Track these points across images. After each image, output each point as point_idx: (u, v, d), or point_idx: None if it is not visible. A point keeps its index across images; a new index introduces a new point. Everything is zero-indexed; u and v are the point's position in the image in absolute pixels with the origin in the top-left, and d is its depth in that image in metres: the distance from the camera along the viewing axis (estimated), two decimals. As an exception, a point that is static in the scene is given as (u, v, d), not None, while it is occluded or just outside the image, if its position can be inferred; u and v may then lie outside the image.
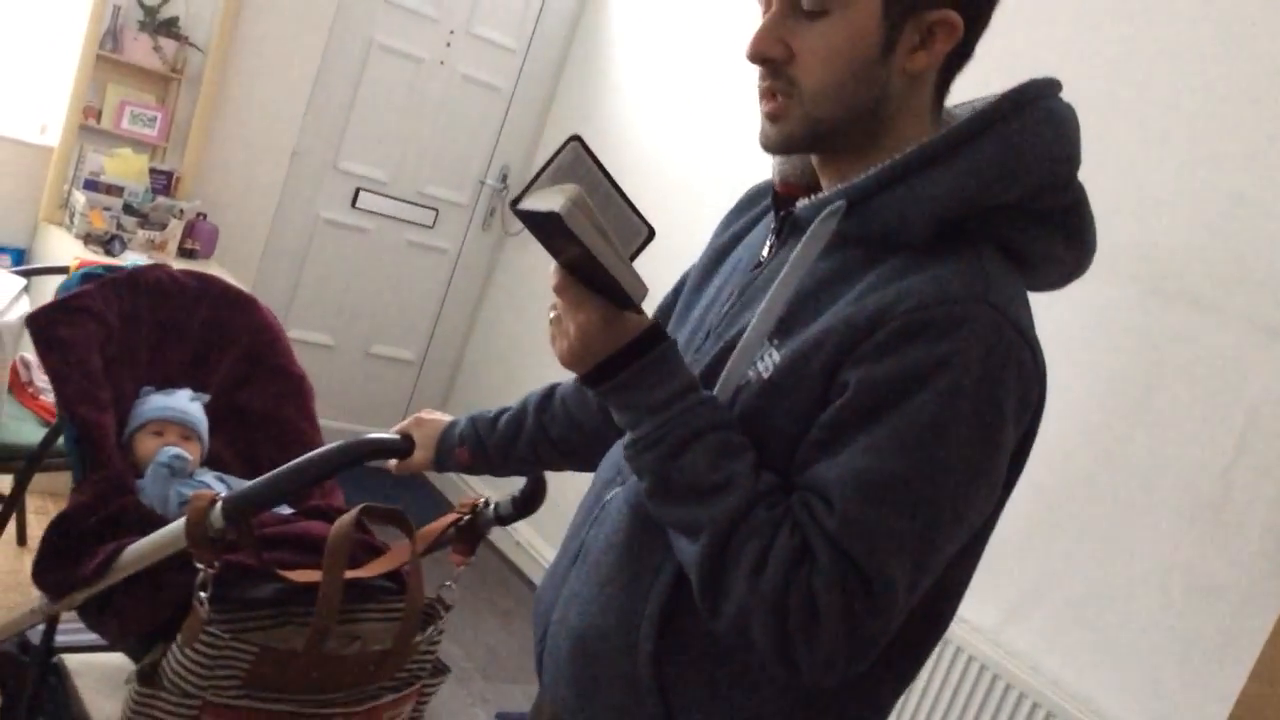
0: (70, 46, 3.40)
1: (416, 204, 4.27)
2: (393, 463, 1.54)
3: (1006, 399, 0.96)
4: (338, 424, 4.03)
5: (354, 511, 1.53)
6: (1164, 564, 2.19)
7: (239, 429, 2.14)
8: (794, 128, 1.04)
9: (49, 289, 3.06)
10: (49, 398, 2.72)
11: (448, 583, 1.69)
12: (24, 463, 2.44)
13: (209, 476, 1.95)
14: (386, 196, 4.20)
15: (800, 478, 0.98)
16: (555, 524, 2.69)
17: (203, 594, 1.44)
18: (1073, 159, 1.03)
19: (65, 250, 3.23)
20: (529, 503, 1.66)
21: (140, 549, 1.58)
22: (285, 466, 1.46)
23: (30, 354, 2.80)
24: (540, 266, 4.16)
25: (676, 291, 1.35)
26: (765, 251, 1.15)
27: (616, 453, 1.22)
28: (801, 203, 1.09)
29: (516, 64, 4.26)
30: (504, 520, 1.67)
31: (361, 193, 4.14)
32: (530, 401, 1.54)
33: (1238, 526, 2.10)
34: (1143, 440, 2.25)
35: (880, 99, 1.02)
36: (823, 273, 1.04)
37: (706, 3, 3.71)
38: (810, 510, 0.95)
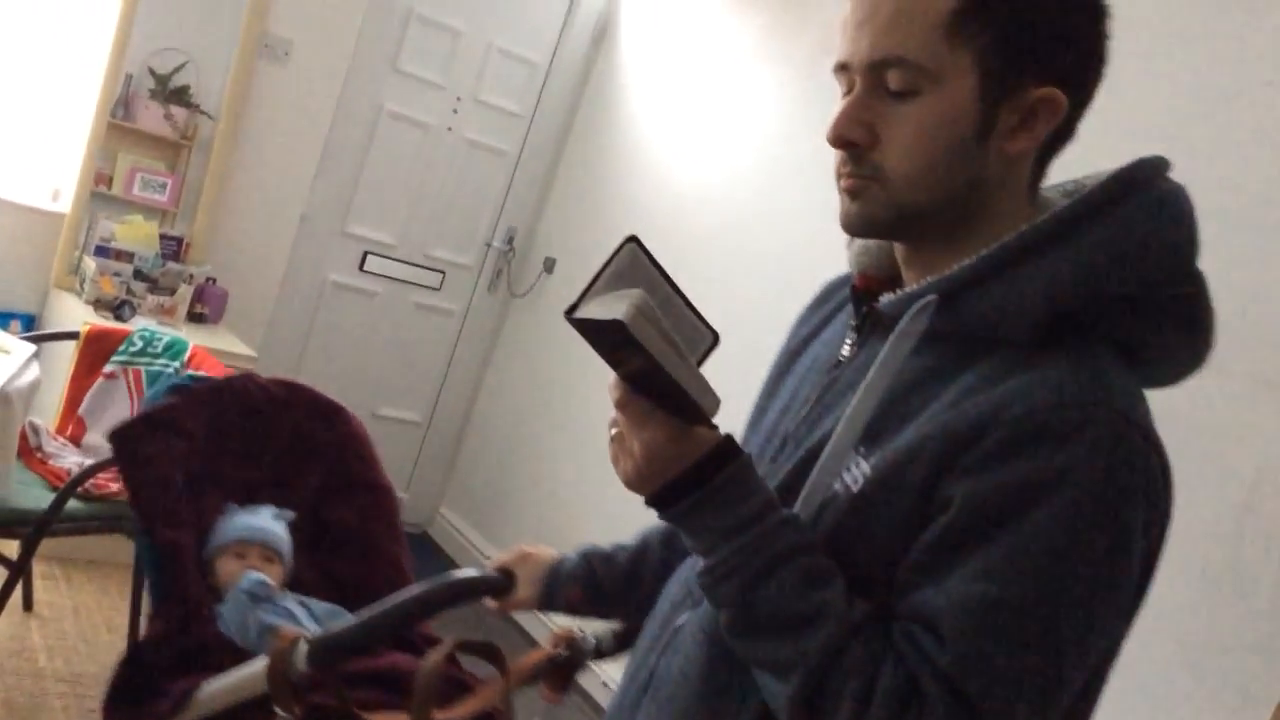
0: (82, 114, 3.45)
1: (423, 266, 4.30)
2: (491, 601, 1.40)
3: (1134, 513, 0.86)
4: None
5: (444, 648, 1.42)
6: (1175, 624, 2.17)
7: (324, 547, 2.06)
8: (875, 209, 0.95)
9: (60, 354, 3.09)
10: (57, 463, 2.73)
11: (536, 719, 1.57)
12: (32, 528, 2.44)
13: (291, 602, 1.87)
14: (394, 259, 4.23)
15: (901, 606, 0.88)
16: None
17: None
18: (1192, 243, 0.93)
19: (76, 316, 3.25)
20: (631, 637, 1.47)
21: (217, 690, 1.50)
22: (376, 609, 1.35)
23: (39, 419, 2.81)
24: (547, 328, 4.18)
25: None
26: (845, 350, 1.05)
27: (685, 570, 1.12)
28: (886, 297, 0.99)
29: (523, 129, 4.31)
30: (603, 655, 1.51)
31: (369, 256, 4.18)
32: (652, 537, 1.36)
33: (1250, 584, 2.08)
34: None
35: (974, 184, 0.93)
36: (912, 373, 0.94)
37: (712, 72, 3.76)
38: (916, 643, 0.85)
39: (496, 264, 4.41)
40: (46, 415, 2.97)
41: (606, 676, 3.66)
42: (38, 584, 3.02)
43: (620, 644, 1.48)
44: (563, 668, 1.49)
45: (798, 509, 0.94)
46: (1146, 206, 0.90)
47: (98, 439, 2.87)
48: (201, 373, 2.84)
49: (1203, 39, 2.35)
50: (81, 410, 2.91)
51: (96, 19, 3.44)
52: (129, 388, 2.86)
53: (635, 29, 4.17)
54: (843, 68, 0.95)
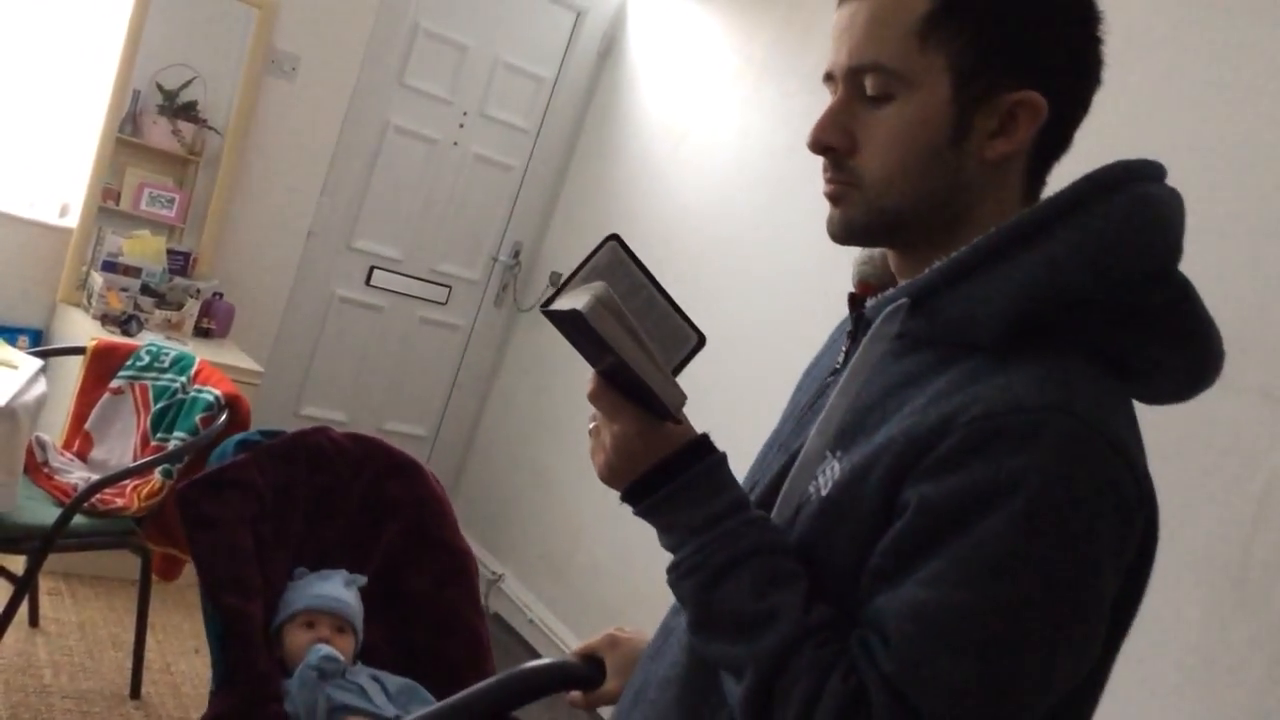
0: (91, 130, 3.47)
1: (430, 281, 4.30)
2: (576, 695, 1.28)
3: (1096, 523, 0.82)
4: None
5: None
6: (1185, 641, 2.15)
7: (397, 614, 1.99)
8: (856, 214, 0.95)
9: (67, 369, 3.09)
10: (63, 478, 2.73)
11: None
12: (38, 543, 2.44)
13: (363, 676, 1.82)
14: (400, 274, 4.23)
15: (862, 611, 0.87)
16: None
17: None
18: (1168, 249, 0.90)
19: (83, 331, 3.26)
20: None
21: None
22: (451, 703, 1.26)
23: (45, 435, 2.81)
24: (553, 343, 4.18)
25: None
26: (840, 357, 1.05)
27: None
28: (870, 302, 0.99)
29: (529, 144, 4.32)
30: None
31: (375, 270, 4.18)
32: None
33: (1260, 600, 2.07)
34: (1164, 511, 2.22)
35: (954, 189, 0.93)
36: (893, 377, 0.93)
37: (718, 87, 3.76)
38: (867, 649, 0.84)
39: (503, 278, 4.41)
40: (53, 430, 2.98)
41: None
42: (44, 600, 3.02)
43: None
44: None
45: (775, 512, 0.94)
46: (1119, 209, 0.88)
47: (104, 454, 2.87)
48: (163, 357, 2.79)
49: (1238, 45, 2.35)
50: (88, 425, 2.91)
51: (104, 35, 3.46)
52: (136, 403, 2.86)
53: (641, 44, 4.18)
54: (829, 77, 0.97)
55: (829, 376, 1.05)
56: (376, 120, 4.00)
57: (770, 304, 3.30)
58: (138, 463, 2.68)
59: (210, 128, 3.65)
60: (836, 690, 0.83)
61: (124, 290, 3.42)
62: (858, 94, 0.94)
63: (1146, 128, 2.36)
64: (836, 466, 0.91)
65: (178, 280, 3.55)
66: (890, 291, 0.96)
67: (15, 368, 2.51)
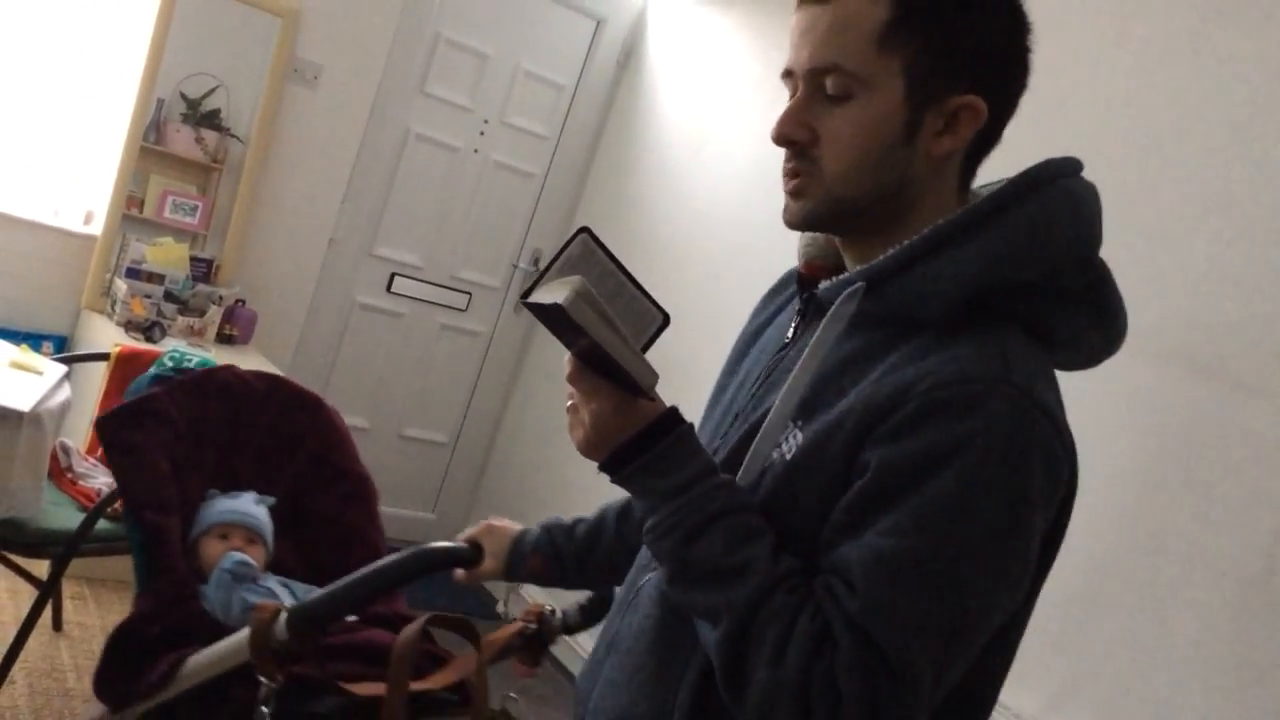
0: (115, 138, 3.50)
1: (450, 288, 4.32)
2: (460, 572, 1.49)
3: (1032, 480, 0.94)
4: (371, 507, 4.03)
5: (419, 622, 1.48)
6: (1209, 646, 2.14)
7: (304, 532, 2.13)
8: (815, 205, 1.04)
9: (91, 375, 3.11)
10: (88, 483, 2.75)
11: (512, 694, 1.63)
12: (62, 548, 2.45)
13: (273, 582, 1.94)
14: (421, 281, 4.25)
15: (824, 561, 0.97)
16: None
17: (265, 709, 1.42)
18: (1093, 237, 1.03)
19: (107, 337, 3.29)
20: (597, 611, 1.58)
21: (202, 660, 1.56)
22: (351, 578, 1.42)
23: (70, 440, 2.84)
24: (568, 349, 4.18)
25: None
26: (790, 333, 1.15)
27: None
28: (823, 284, 1.09)
29: (549, 151, 4.33)
30: (571, 629, 1.60)
31: (396, 277, 4.20)
32: (609, 511, 1.48)
33: (1285, 610, 2.05)
34: (1184, 520, 2.21)
35: (903, 182, 1.03)
36: (846, 353, 1.03)
37: (737, 93, 3.77)
38: (832, 593, 0.93)
39: (523, 285, 4.42)
40: (77, 436, 3.00)
41: (580, 650, 3.66)
42: (67, 604, 3.04)
43: (587, 618, 1.56)
44: (533, 641, 1.56)
45: (739, 476, 1.04)
46: (1050, 202, 1.00)
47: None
48: (185, 364, 2.85)
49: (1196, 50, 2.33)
50: (112, 431, 2.93)
51: (128, 44, 3.49)
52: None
53: (661, 51, 4.18)
54: (788, 74, 1.06)
55: (780, 351, 1.15)
56: (398, 128, 4.02)
57: (790, 311, 3.29)
58: (160, 468, 2.69)
59: (233, 136, 3.68)
60: (805, 629, 0.92)
61: (147, 297, 3.45)
62: (818, 92, 1.02)
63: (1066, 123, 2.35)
64: (799, 434, 1.02)
65: (201, 287, 3.57)
66: (846, 275, 1.06)
67: (40, 374, 2.54)
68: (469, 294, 4.36)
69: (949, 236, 1.00)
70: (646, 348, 1.03)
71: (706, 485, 0.99)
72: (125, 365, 2.97)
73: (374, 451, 4.30)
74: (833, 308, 1.03)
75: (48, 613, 2.86)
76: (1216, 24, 2.35)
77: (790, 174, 1.06)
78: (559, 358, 1.05)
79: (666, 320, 1.06)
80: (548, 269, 0.99)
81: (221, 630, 1.62)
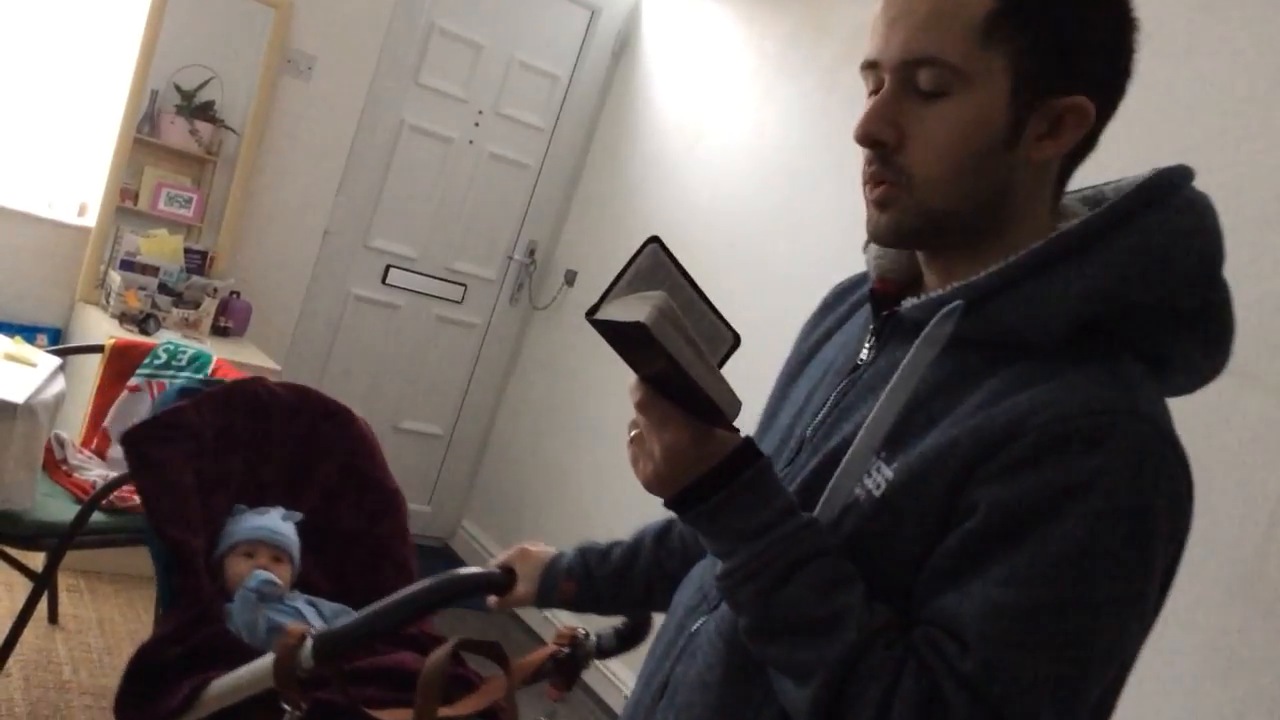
0: (109, 130, 3.49)
1: (445, 280, 4.31)
2: (492, 598, 1.42)
3: (1159, 521, 0.85)
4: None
5: (448, 646, 1.45)
6: (1203, 639, 2.14)
7: (331, 548, 2.10)
8: (905, 218, 0.94)
9: (85, 368, 3.11)
10: (82, 476, 2.74)
11: (543, 718, 1.60)
12: (57, 541, 2.45)
13: (299, 601, 1.91)
14: (416, 273, 4.24)
15: (923, 611, 0.88)
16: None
17: None
18: (1219, 251, 0.92)
19: (101, 329, 3.28)
20: (633, 636, 1.52)
21: (225, 686, 1.53)
22: (381, 604, 1.38)
23: (64, 432, 2.83)
24: (567, 342, 4.18)
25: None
26: (864, 354, 1.04)
27: (699, 575, 1.12)
28: (908, 302, 0.98)
29: (544, 142, 4.32)
30: (605, 653, 1.53)
31: (391, 269, 4.19)
32: (646, 535, 1.39)
33: (1277, 598, 2.06)
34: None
35: (1002, 190, 0.93)
36: (935, 378, 0.93)
37: (733, 83, 3.76)
38: (939, 649, 0.84)
39: (518, 277, 4.42)
40: (72, 428, 2.99)
41: (612, 674, 3.66)
42: (63, 597, 3.04)
43: (622, 642, 1.51)
44: (565, 665, 1.51)
45: (818, 513, 0.94)
46: (1173, 215, 0.90)
47: (122, 452, 2.89)
48: (213, 377, 2.87)
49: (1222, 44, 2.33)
50: (106, 423, 2.93)
51: (122, 36, 3.48)
52: (153, 400, 2.88)
53: (656, 41, 4.18)
54: (871, 66, 0.94)
55: (852, 374, 1.03)
56: (392, 119, 4.01)
57: (786, 301, 3.28)
58: (155, 460, 2.69)
59: (227, 127, 3.67)
60: (910, 690, 0.83)
61: (142, 289, 3.44)
62: (908, 88, 0.92)
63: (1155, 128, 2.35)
64: (885, 468, 0.92)
65: (195, 279, 3.56)
66: (938, 294, 0.95)
67: (34, 366, 2.53)
68: (464, 286, 4.35)
69: (1064, 252, 0.90)
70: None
71: (790, 526, 0.90)
72: (119, 357, 2.97)
73: (370, 443, 4.30)
74: (927, 329, 0.92)
75: (43, 605, 2.86)
76: (1214, 14, 2.35)
77: (873, 180, 0.95)
78: (555, 351, 1.01)
79: (737, 341, 0.96)
80: (616, 283, 0.90)
81: (246, 652, 1.60)
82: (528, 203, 4.36)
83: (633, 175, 4.11)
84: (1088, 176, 1.01)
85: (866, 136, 0.93)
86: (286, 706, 1.41)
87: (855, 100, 0.97)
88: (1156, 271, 0.88)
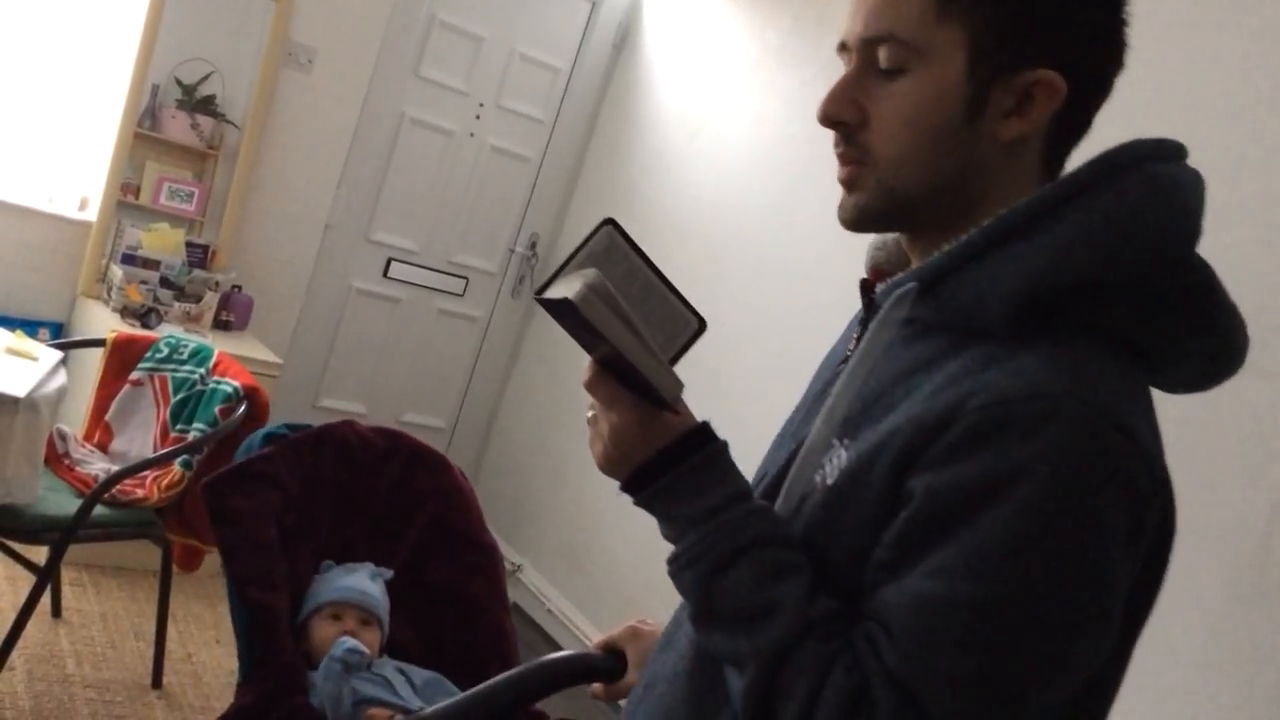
0: (109, 124, 3.48)
1: (447, 273, 4.31)
2: (597, 686, 1.28)
3: (1108, 514, 0.80)
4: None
5: None
6: (1206, 630, 2.14)
7: (423, 608, 1.99)
8: (869, 199, 0.92)
9: (87, 362, 3.11)
10: (84, 469, 2.75)
11: None
12: (59, 534, 2.45)
13: (389, 669, 1.81)
14: (417, 266, 4.24)
15: (866, 605, 0.85)
16: None
17: None
18: (1186, 232, 0.87)
19: (103, 323, 3.28)
20: None
21: None
22: (477, 691, 1.28)
23: (66, 426, 2.83)
24: (568, 336, 4.17)
25: None
26: (852, 344, 1.01)
27: None
28: (880, 288, 0.96)
29: (545, 135, 4.32)
30: None
31: (393, 263, 4.19)
32: None
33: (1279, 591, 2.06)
34: (1182, 498, 2.20)
35: (967, 171, 0.90)
36: (904, 363, 0.90)
37: (734, 75, 3.75)
38: (872, 643, 0.82)
39: (519, 270, 4.42)
40: (74, 422, 3.00)
41: None
42: (66, 590, 3.05)
43: None
44: None
45: (779, 503, 0.92)
46: (1133, 189, 0.85)
47: (124, 445, 2.89)
48: (181, 349, 2.83)
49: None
50: (108, 417, 2.93)
51: (123, 30, 3.47)
52: (155, 394, 2.88)
53: (657, 33, 4.17)
54: (843, 47, 0.94)
55: (840, 364, 1.02)
56: (393, 112, 4.01)
57: (787, 292, 3.29)
58: (158, 454, 2.70)
59: (229, 121, 3.67)
60: (839, 685, 0.81)
61: (143, 283, 3.44)
62: (871, 66, 0.91)
63: (1174, 110, 2.34)
64: (844, 455, 0.89)
65: (197, 273, 3.56)
66: (899, 276, 0.93)
67: (36, 360, 2.53)
68: (466, 279, 4.35)
69: (1010, 230, 0.87)
70: (678, 357, 0.92)
71: (737, 512, 0.88)
72: (121, 351, 2.97)
73: (372, 437, 4.30)
74: (880, 312, 0.92)
75: (46, 599, 2.86)
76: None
77: (842, 161, 0.94)
78: (556, 343, 1.00)
79: (703, 326, 0.94)
80: (567, 262, 0.90)
81: None
82: (529, 195, 4.36)
83: (634, 167, 4.10)
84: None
85: (827, 117, 0.93)
86: None
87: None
88: (1105, 249, 0.84)
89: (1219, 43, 2.33)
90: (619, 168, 4.19)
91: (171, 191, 3.61)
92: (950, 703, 0.79)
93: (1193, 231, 0.88)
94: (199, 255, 3.62)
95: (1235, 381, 0.98)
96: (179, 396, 2.83)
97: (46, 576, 2.49)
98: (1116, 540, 0.81)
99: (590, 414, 0.95)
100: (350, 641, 1.78)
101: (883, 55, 0.89)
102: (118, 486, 2.57)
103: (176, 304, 3.50)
